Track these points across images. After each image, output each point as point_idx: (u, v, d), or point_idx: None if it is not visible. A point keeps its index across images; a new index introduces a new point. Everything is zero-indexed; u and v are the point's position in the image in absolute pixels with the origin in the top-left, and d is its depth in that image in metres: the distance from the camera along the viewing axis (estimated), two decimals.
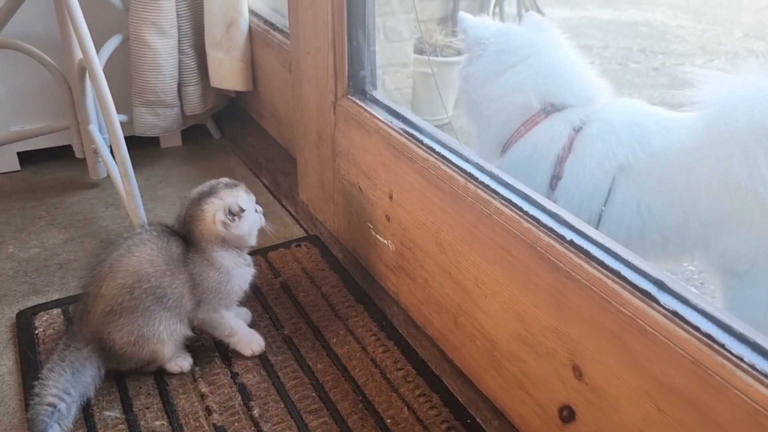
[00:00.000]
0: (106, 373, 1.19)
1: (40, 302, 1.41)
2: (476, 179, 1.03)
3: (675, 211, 1.21)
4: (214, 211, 1.16)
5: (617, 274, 0.82)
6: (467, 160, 1.09)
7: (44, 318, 1.35)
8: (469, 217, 1.04)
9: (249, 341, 1.27)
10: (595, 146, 1.26)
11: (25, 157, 1.96)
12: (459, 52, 3.91)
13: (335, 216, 1.53)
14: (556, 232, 0.90)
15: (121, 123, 1.85)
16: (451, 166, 1.08)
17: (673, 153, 1.22)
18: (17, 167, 1.96)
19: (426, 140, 1.15)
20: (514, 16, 4.34)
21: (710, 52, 5.14)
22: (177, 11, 1.86)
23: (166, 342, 1.18)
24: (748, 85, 1.11)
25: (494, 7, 4.21)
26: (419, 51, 3.54)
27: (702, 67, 4.68)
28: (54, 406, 1.08)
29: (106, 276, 1.15)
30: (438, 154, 1.11)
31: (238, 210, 1.17)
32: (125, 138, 1.56)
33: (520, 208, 0.96)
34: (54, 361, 1.13)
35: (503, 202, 0.98)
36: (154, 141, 2.11)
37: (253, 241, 1.24)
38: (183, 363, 1.23)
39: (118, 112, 1.84)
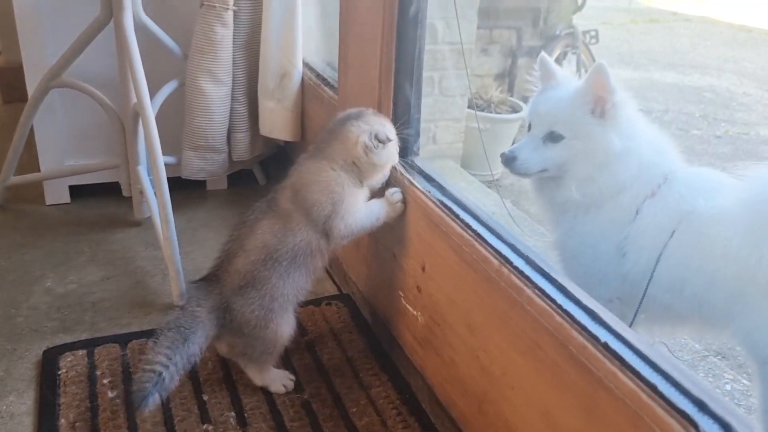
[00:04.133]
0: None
1: (68, 341, 1.41)
2: (511, 263, 0.99)
3: (706, 274, 1.16)
4: (358, 134, 1.19)
5: (653, 388, 0.76)
6: (504, 241, 1.05)
7: (69, 359, 1.35)
8: (500, 302, 0.99)
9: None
10: (680, 191, 1.22)
11: (76, 191, 2.01)
12: (514, 110, 3.88)
13: (368, 278, 1.50)
14: (589, 331, 0.84)
15: (170, 164, 1.90)
16: (486, 246, 1.04)
17: (712, 216, 1.17)
18: (68, 200, 2.01)
19: (462, 215, 1.12)
20: (573, 75, 4.31)
21: None
22: (234, 59, 1.90)
23: (289, 310, 1.24)
24: None
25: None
26: (473, 106, 3.54)
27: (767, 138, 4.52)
28: (160, 374, 1.11)
29: (238, 254, 1.21)
30: (474, 231, 1.07)
31: (384, 138, 1.19)
32: (172, 179, 1.59)
33: (553, 301, 0.90)
34: (170, 326, 1.16)
35: (536, 291, 0.93)
36: (200, 183, 2.14)
37: (381, 179, 1.26)
38: (287, 382, 1.30)
39: (168, 153, 1.89)
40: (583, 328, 0.86)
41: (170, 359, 1.13)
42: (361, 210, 1.23)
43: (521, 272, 0.97)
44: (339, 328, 1.50)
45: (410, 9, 1.24)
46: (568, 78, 1.30)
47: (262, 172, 2.22)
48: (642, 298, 1.25)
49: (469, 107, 3.45)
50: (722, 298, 1.16)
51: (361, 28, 1.39)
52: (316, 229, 1.21)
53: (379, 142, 1.18)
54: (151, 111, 1.57)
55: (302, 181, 1.23)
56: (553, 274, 0.96)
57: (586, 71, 4.58)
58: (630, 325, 1.30)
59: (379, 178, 1.26)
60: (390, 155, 1.23)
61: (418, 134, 1.35)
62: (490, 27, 4.01)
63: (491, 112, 3.65)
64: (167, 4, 1.90)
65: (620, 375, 0.79)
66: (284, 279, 1.21)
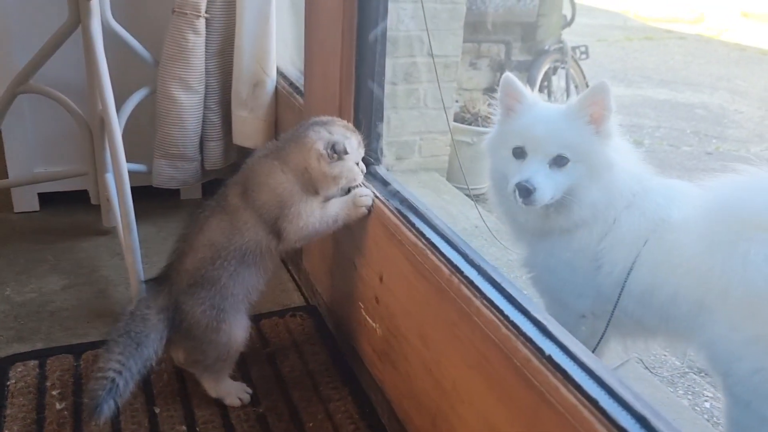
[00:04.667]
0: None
1: (22, 350, 1.38)
2: (461, 273, 0.96)
3: (672, 284, 1.13)
4: (316, 140, 1.15)
5: (595, 403, 0.72)
6: (457, 250, 1.01)
7: (19, 369, 1.31)
8: (451, 313, 0.96)
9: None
10: (656, 200, 1.19)
11: (45, 199, 1.98)
12: None
13: (332, 289, 1.47)
14: (534, 343, 0.81)
15: (141, 173, 1.87)
16: (438, 255, 1.01)
17: (679, 224, 1.15)
18: (37, 208, 1.98)
19: (418, 223, 1.09)
20: (563, 91, 4.31)
21: None
22: (206, 68, 1.88)
23: (241, 310, 1.21)
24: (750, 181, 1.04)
25: (542, 82, 4.19)
26: (460, 119, 3.53)
27: (758, 155, 4.51)
28: (113, 381, 1.08)
29: (187, 253, 1.19)
30: (427, 240, 1.04)
31: (341, 150, 1.14)
32: (146, 187, 1.56)
33: (501, 312, 0.87)
34: (120, 332, 1.14)
35: (484, 302, 0.90)
36: (174, 192, 2.10)
37: (335, 192, 1.20)
38: (243, 395, 1.27)
39: (139, 161, 1.86)
40: (529, 340, 0.82)
41: (123, 365, 1.10)
42: (315, 213, 1.18)
43: (471, 282, 0.94)
44: (302, 340, 1.47)
45: (370, 18, 1.22)
46: (537, 98, 1.24)
47: None
48: (613, 310, 1.22)
49: (455, 120, 3.44)
50: (686, 308, 1.13)
51: (323, 35, 1.37)
52: (267, 229, 1.17)
53: (335, 153, 1.14)
54: (115, 117, 1.55)
55: (253, 180, 1.19)
56: (504, 284, 0.92)
57: (576, 86, 4.56)
58: (600, 339, 1.27)
59: (334, 191, 1.20)
60: (345, 170, 1.17)
61: (379, 143, 1.33)
62: (479, 41, 4.01)
63: (479, 126, 3.64)
64: (138, 11, 1.88)
65: (562, 389, 0.75)
66: (234, 279, 1.17)
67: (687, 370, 1.96)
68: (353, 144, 1.17)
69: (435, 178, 3.26)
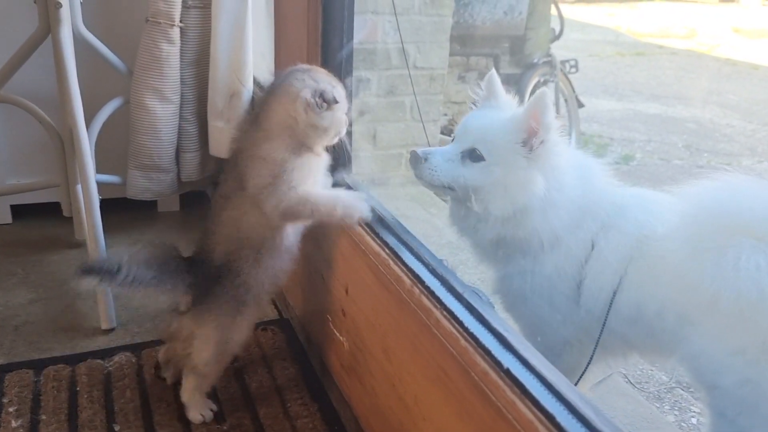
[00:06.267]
0: None
1: None
2: (422, 283, 0.92)
3: (657, 298, 1.10)
4: (301, 89, 1.02)
5: (551, 419, 0.69)
6: (421, 260, 0.98)
7: None
8: (412, 325, 0.93)
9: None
10: (635, 217, 1.15)
11: (18, 211, 1.95)
12: None
13: (303, 302, 1.43)
14: (493, 356, 0.78)
15: (115, 184, 1.84)
16: (401, 265, 0.97)
17: (663, 236, 1.11)
18: (9, 220, 1.94)
19: (382, 233, 1.06)
20: (553, 104, 4.30)
21: (759, 153, 4.97)
22: (182, 78, 1.85)
23: (255, 308, 1.17)
24: (732, 185, 1.01)
25: (530, 95, 4.18)
26: (448, 132, 3.51)
27: (750, 168, 4.50)
28: (118, 268, 1.03)
29: (214, 248, 1.14)
30: (390, 250, 1.01)
31: (331, 99, 1.03)
32: (122, 200, 1.53)
33: (460, 323, 0.84)
34: (159, 260, 1.10)
35: (444, 313, 0.86)
36: (151, 204, 2.07)
37: (321, 146, 1.09)
38: (206, 412, 1.23)
39: (113, 172, 1.83)
40: (488, 353, 0.79)
41: (135, 274, 1.05)
42: (296, 189, 1.06)
43: (431, 292, 0.90)
44: (272, 355, 1.43)
45: (335, 25, 1.20)
46: (510, 103, 1.19)
47: None
48: (600, 334, 1.18)
49: (443, 133, 3.43)
50: (672, 321, 1.10)
51: (290, 41, 1.35)
52: (255, 203, 1.08)
53: (324, 101, 1.03)
54: (83, 128, 1.52)
55: (241, 158, 1.10)
56: (466, 294, 0.89)
57: (565, 100, 4.54)
58: (588, 364, 1.23)
59: (321, 144, 1.09)
60: (335, 121, 1.06)
61: (349, 152, 1.30)
62: (467, 54, 4.00)
63: None
64: (111, 19, 1.86)
65: (519, 404, 0.72)
66: (256, 267, 1.12)
67: (674, 385, 1.92)
68: (340, 92, 1.07)
69: (422, 192, 3.24)
